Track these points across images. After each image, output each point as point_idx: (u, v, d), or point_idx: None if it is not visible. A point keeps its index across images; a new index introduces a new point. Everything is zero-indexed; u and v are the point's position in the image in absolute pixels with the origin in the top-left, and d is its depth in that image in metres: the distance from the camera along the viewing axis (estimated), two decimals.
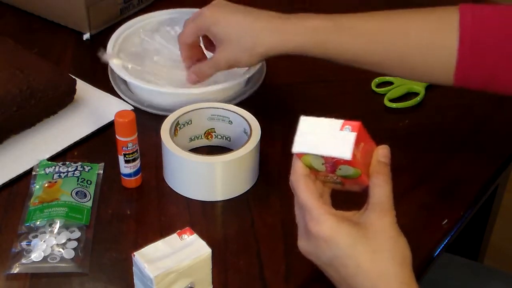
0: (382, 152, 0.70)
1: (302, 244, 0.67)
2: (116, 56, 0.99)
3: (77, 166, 0.85)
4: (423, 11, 0.83)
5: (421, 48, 0.82)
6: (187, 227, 0.68)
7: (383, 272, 0.64)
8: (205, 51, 0.97)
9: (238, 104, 0.91)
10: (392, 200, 0.68)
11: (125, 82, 1.00)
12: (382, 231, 0.66)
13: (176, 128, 0.87)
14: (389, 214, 0.66)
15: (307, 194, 0.66)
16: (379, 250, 0.65)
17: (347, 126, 0.65)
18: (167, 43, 1.04)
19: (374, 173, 0.68)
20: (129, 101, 0.97)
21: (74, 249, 0.76)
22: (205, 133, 0.91)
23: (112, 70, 0.99)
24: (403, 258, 0.65)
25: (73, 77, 0.97)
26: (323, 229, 0.64)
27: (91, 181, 0.84)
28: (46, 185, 0.83)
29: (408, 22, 0.83)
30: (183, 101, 0.92)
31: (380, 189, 0.68)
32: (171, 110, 0.89)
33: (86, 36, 1.13)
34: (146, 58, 1.02)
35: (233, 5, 0.91)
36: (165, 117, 0.87)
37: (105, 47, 1.01)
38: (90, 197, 0.82)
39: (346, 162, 0.64)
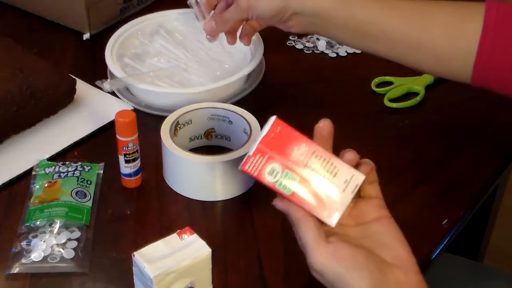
0: (325, 128, 0.69)
1: (309, 264, 0.65)
2: (114, 63, 0.99)
3: (77, 166, 0.85)
4: (452, 3, 0.82)
5: (443, 30, 0.80)
6: (187, 227, 0.68)
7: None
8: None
9: (238, 103, 0.91)
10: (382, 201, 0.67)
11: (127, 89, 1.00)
12: (380, 243, 0.65)
13: (176, 128, 0.87)
14: (388, 226, 0.66)
15: (293, 206, 0.65)
16: (377, 268, 0.63)
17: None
18: (166, 44, 1.04)
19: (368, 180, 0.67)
20: (128, 102, 0.97)
21: (74, 249, 0.76)
22: (205, 133, 0.91)
23: (111, 72, 0.99)
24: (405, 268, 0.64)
25: (73, 77, 0.97)
26: (315, 261, 0.63)
27: (91, 181, 0.84)
28: (46, 185, 0.83)
29: (435, 4, 0.81)
30: (183, 101, 0.92)
31: (375, 204, 0.67)
32: (171, 111, 0.89)
33: (86, 36, 1.13)
34: (146, 59, 1.02)
35: None
36: (165, 117, 0.87)
37: (104, 75, 1.00)
38: (90, 197, 0.82)
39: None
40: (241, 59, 1.03)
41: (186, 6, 1.08)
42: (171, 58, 1.02)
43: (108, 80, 0.98)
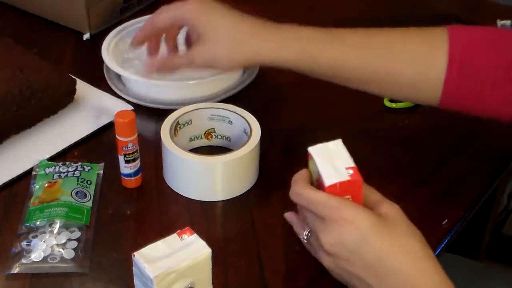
0: None
1: (326, 238, 0.68)
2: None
3: (77, 166, 0.85)
4: (414, 29, 0.82)
5: (409, 66, 0.81)
6: (187, 227, 0.68)
7: (413, 250, 0.66)
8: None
9: (237, 103, 0.91)
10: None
11: (118, 77, 1.00)
12: (399, 218, 0.68)
13: (176, 128, 0.87)
14: (397, 206, 0.69)
15: (317, 192, 0.69)
16: (402, 232, 0.67)
17: (350, 170, 0.69)
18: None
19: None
20: (124, 96, 0.97)
21: (74, 249, 0.76)
22: (205, 133, 0.91)
23: (107, 67, 1.00)
24: (424, 240, 0.68)
25: (73, 77, 0.97)
26: (346, 213, 0.67)
27: (91, 181, 0.84)
28: (46, 185, 0.83)
29: (398, 39, 0.82)
30: (180, 95, 0.93)
31: (375, 193, 0.71)
32: (165, 103, 0.90)
33: (86, 36, 1.13)
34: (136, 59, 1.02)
35: (220, 4, 0.86)
36: (165, 116, 0.87)
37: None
38: (90, 197, 0.82)
39: (323, 188, 0.69)
40: None
41: None
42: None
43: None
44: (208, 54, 0.84)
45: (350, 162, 0.70)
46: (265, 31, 0.83)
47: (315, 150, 0.71)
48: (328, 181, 0.68)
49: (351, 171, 0.69)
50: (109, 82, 1.00)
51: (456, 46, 0.79)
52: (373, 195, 0.71)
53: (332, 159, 0.70)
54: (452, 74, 0.79)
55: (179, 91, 0.96)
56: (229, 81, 0.99)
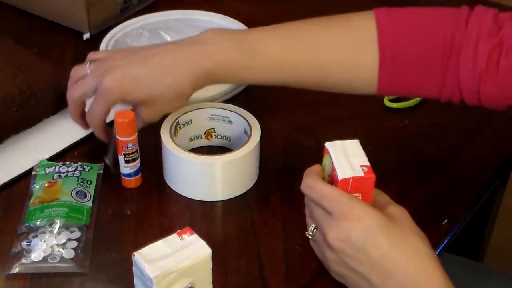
0: None
1: (333, 233, 0.68)
2: None
3: (77, 166, 0.85)
4: (340, 19, 0.81)
5: (341, 67, 0.81)
6: (187, 227, 0.68)
7: (418, 250, 0.67)
8: None
9: (237, 103, 0.91)
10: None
11: None
12: (405, 220, 0.69)
13: (176, 128, 0.87)
14: (404, 209, 0.70)
15: (328, 187, 0.70)
16: (409, 232, 0.68)
17: (364, 168, 0.70)
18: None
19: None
20: None
21: (74, 249, 0.76)
22: (205, 133, 0.91)
23: None
24: (428, 241, 0.68)
25: None
26: (356, 210, 0.67)
27: (91, 181, 0.84)
28: (46, 185, 0.83)
29: (327, 36, 0.81)
30: None
31: (383, 195, 0.72)
32: None
33: (86, 36, 1.13)
34: None
35: (118, 55, 0.82)
36: (165, 116, 0.87)
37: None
38: (90, 197, 0.82)
39: (337, 182, 0.69)
40: None
41: (185, 7, 1.09)
42: None
43: None
44: (156, 111, 0.82)
45: (366, 161, 0.70)
46: (182, 52, 0.80)
47: (331, 146, 0.72)
48: (342, 175, 0.69)
49: (365, 169, 0.69)
50: None
51: (386, 37, 0.78)
52: (381, 196, 0.72)
53: (347, 156, 0.71)
54: (386, 67, 0.79)
55: None
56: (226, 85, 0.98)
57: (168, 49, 0.81)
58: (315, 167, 0.73)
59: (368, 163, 0.70)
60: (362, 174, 0.69)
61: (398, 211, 0.70)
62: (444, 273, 0.66)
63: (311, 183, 0.71)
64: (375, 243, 0.66)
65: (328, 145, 0.72)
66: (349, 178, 0.69)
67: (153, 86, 0.79)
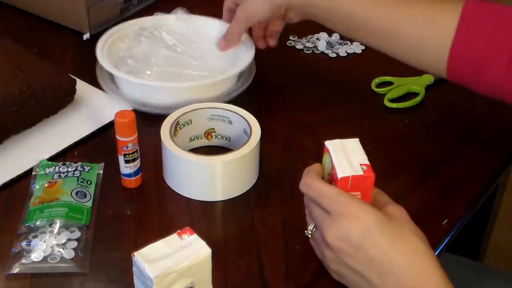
0: None
1: (332, 233, 0.68)
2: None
3: (77, 166, 0.85)
4: None
5: (418, 24, 0.83)
6: (187, 227, 0.68)
7: (417, 249, 0.67)
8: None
9: (236, 103, 0.91)
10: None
11: (114, 83, 0.99)
12: (404, 219, 0.69)
13: (176, 128, 0.87)
14: (403, 209, 0.70)
15: (327, 186, 0.70)
16: (407, 231, 0.68)
17: (364, 166, 0.70)
18: (154, 44, 1.03)
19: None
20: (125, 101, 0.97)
21: (74, 249, 0.76)
22: (205, 133, 0.91)
23: (100, 69, 0.99)
24: (427, 240, 0.68)
25: (73, 77, 0.97)
26: (354, 209, 0.67)
27: (91, 181, 0.84)
28: (46, 185, 0.83)
29: (413, 1, 0.85)
30: (175, 98, 0.93)
31: (383, 195, 0.72)
32: (163, 108, 0.90)
33: (86, 36, 1.13)
34: (135, 60, 1.02)
35: None
36: (165, 117, 0.87)
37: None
38: (90, 197, 0.82)
39: (336, 180, 0.69)
40: (231, 60, 1.02)
41: (186, 6, 1.08)
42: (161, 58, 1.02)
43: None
44: (245, 6, 0.95)
45: (365, 160, 0.70)
46: None
47: (331, 144, 0.72)
48: (341, 173, 0.69)
49: (365, 168, 0.69)
50: (102, 85, 0.99)
51: (467, 13, 0.80)
52: (380, 196, 0.72)
53: (347, 155, 0.71)
54: (459, 40, 0.80)
55: (174, 94, 0.96)
56: (225, 85, 0.98)
57: None
58: (315, 166, 0.73)
59: (367, 162, 0.70)
60: (362, 173, 0.69)
61: (397, 211, 0.70)
62: (442, 272, 0.66)
63: (310, 182, 0.71)
64: (374, 242, 0.66)
65: (328, 143, 0.72)
66: (348, 177, 0.69)
67: None
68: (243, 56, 1.00)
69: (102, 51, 0.99)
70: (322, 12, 0.89)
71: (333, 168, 0.70)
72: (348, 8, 0.87)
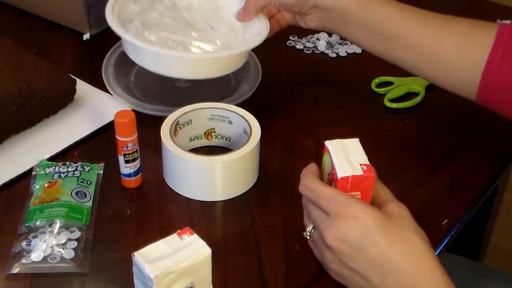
0: None
1: (331, 233, 0.68)
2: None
3: (77, 166, 0.85)
4: (467, 19, 0.84)
5: (457, 42, 0.82)
6: (187, 227, 0.68)
7: (417, 249, 0.67)
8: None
9: (238, 104, 0.91)
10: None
11: (120, 86, 0.99)
12: (405, 218, 0.69)
13: (176, 128, 0.87)
14: (404, 207, 0.70)
15: (325, 187, 0.70)
16: (407, 231, 0.67)
17: (364, 166, 0.70)
18: (166, 11, 1.01)
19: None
20: (121, 101, 0.97)
21: (74, 249, 0.76)
22: (205, 133, 0.91)
23: (107, 76, 0.99)
24: (427, 239, 0.68)
25: (73, 77, 0.97)
26: (353, 209, 0.67)
27: (91, 181, 0.84)
28: (46, 185, 0.83)
29: (449, 19, 0.84)
30: (182, 67, 0.92)
31: (385, 191, 0.72)
32: (167, 110, 0.89)
33: (86, 36, 1.13)
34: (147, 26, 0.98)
35: None
36: (165, 117, 0.87)
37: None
38: (90, 197, 0.82)
39: (336, 180, 0.69)
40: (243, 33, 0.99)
41: None
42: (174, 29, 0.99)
43: None
44: None
45: (365, 160, 0.70)
46: None
47: (331, 144, 0.72)
48: (341, 173, 0.69)
49: (365, 168, 0.69)
50: (107, 86, 0.99)
51: (504, 33, 0.79)
52: (383, 192, 0.72)
53: (347, 155, 0.71)
54: (495, 58, 0.79)
55: (181, 62, 0.92)
56: (230, 60, 0.95)
57: None
58: (311, 167, 0.73)
59: (367, 162, 0.70)
60: (362, 173, 0.69)
61: (398, 209, 0.69)
62: (443, 271, 0.66)
63: (309, 184, 0.71)
64: (373, 242, 0.66)
65: (328, 143, 0.72)
66: (348, 177, 0.69)
67: None
68: (259, 32, 0.97)
69: (112, 12, 0.95)
70: (355, 19, 0.85)
71: (333, 168, 0.70)
72: (385, 16, 0.84)
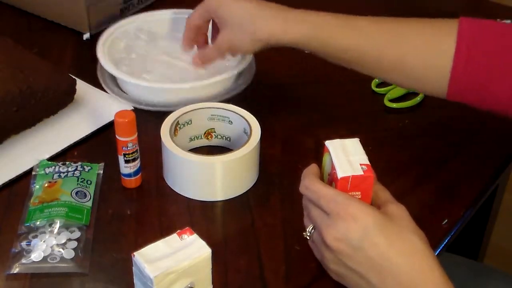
0: None
1: (331, 233, 0.68)
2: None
3: (77, 166, 0.85)
4: (424, 19, 0.84)
5: (418, 51, 0.82)
6: (187, 227, 0.68)
7: (416, 249, 0.67)
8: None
9: (237, 103, 0.91)
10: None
11: (115, 83, 1.00)
12: (404, 219, 0.69)
13: (176, 128, 0.87)
14: (403, 207, 0.70)
15: (326, 187, 0.70)
16: (406, 231, 0.68)
17: (364, 166, 0.70)
18: (153, 41, 1.05)
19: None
20: (119, 99, 0.98)
21: (74, 249, 0.76)
22: (205, 133, 0.91)
23: (102, 72, 1.00)
24: (426, 240, 0.68)
25: (73, 77, 0.97)
26: (353, 209, 0.67)
27: (91, 181, 0.84)
28: (46, 185, 0.83)
29: (408, 26, 0.84)
30: (172, 97, 0.95)
31: (385, 192, 0.72)
32: (161, 105, 0.92)
33: (86, 36, 1.13)
34: (135, 59, 1.03)
35: None
36: (164, 116, 0.87)
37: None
38: (90, 197, 0.82)
39: (336, 180, 0.69)
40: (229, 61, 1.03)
41: (185, 6, 1.09)
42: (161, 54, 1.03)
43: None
44: (231, 39, 0.91)
45: (365, 159, 0.70)
46: (282, 13, 0.88)
47: (331, 144, 0.72)
48: (341, 173, 0.69)
49: (365, 167, 0.69)
50: (102, 84, 1.00)
51: (464, 34, 0.80)
52: (382, 193, 0.72)
53: (347, 155, 0.71)
54: (459, 65, 0.80)
55: (173, 94, 0.97)
56: (223, 84, 0.99)
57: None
58: (312, 168, 0.73)
59: (367, 162, 0.70)
60: (362, 173, 0.69)
61: (397, 209, 0.70)
62: (442, 272, 0.66)
63: (309, 184, 0.71)
64: (373, 242, 0.66)
65: (328, 143, 0.72)
66: (348, 177, 0.69)
67: (243, 15, 0.89)
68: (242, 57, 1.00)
69: (103, 51, 1.00)
70: (313, 50, 0.87)
71: (333, 168, 0.70)
72: (340, 45, 0.85)
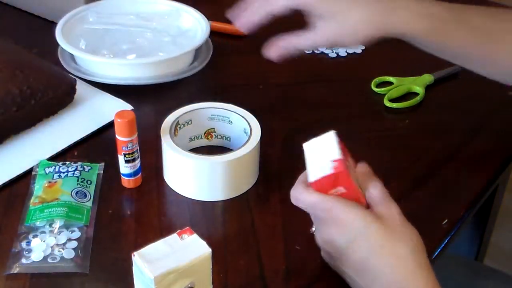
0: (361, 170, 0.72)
1: (320, 236, 0.70)
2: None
3: (77, 166, 0.85)
4: None
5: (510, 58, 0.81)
6: (187, 227, 0.68)
7: (400, 254, 0.66)
8: None
9: (235, 103, 0.91)
10: (389, 195, 0.70)
11: (71, 56, 1.05)
12: (394, 219, 0.68)
13: (176, 128, 0.87)
14: (393, 205, 0.69)
15: (311, 195, 0.69)
16: (391, 234, 0.67)
17: (334, 163, 0.68)
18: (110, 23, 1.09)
19: (364, 180, 0.71)
20: (77, 74, 1.01)
21: (74, 249, 0.76)
22: (205, 133, 0.91)
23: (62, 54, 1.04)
24: (416, 243, 0.67)
25: (73, 77, 0.97)
26: (337, 213, 0.67)
27: (91, 181, 0.84)
28: (46, 185, 0.83)
29: (501, 25, 0.82)
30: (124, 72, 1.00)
31: (376, 188, 0.70)
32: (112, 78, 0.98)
33: None
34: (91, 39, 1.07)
35: None
36: (164, 116, 0.87)
37: None
38: (90, 197, 0.82)
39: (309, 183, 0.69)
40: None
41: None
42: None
43: None
44: (333, 32, 0.81)
45: (336, 155, 0.68)
46: (390, 3, 0.81)
47: (307, 147, 0.71)
48: (311, 177, 0.68)
49: (335, 164, 0.67)
50: (62, 62, 1.04)
51: None
52: (375, 191, 0.70)
53: (320, 154, 0.69)
54: None
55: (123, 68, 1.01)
56: (177, 65, 1.03)
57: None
58: (301, 176, 0.72)
59: (338, 156, 0.68)
60: (331, 171, 0.67)
61: (388, 210, 0.69)
62: (426, 275, 0.66)
63: (296, 195, 0.71)
64: (357, 247, 0.67)
65: (304, 146, 0.71)
66: (318, 180, 0.68)
67: (346, 7, 0.80)
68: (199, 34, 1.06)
69: (62, 33, 1.04)
70: (424, 43, 0.82)
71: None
72: (457, 46, 0.81)
